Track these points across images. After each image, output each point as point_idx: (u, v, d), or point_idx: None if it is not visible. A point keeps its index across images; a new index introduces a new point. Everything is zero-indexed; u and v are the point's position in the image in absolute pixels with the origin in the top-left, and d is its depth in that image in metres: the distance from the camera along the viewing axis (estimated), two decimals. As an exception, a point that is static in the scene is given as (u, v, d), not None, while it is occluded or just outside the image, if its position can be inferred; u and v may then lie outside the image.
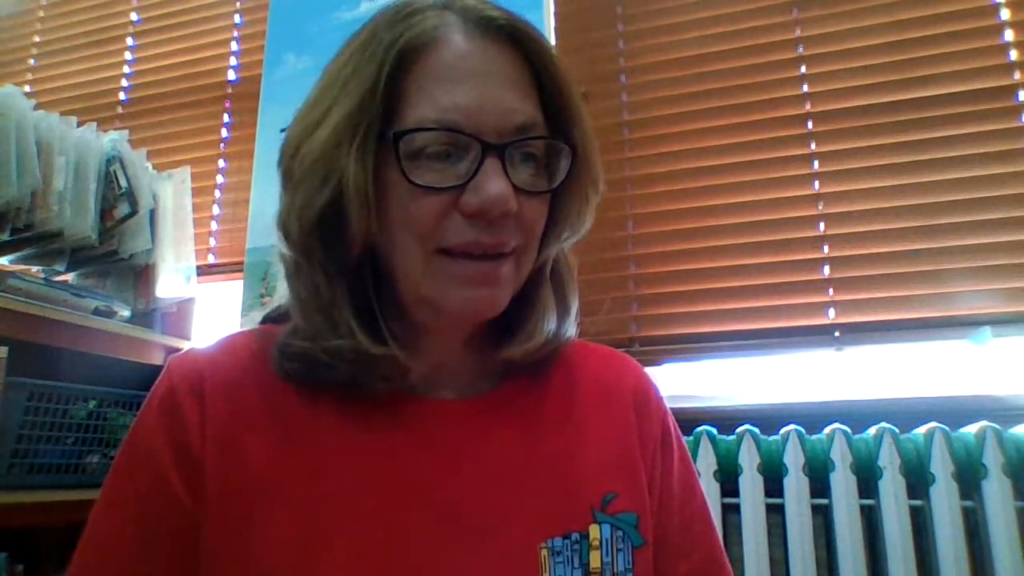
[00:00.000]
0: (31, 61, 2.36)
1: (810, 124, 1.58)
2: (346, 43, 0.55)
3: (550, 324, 0.58)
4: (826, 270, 1.50)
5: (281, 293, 0.58)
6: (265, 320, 0.61)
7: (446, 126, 0.49)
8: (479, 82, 0.51)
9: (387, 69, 0.50)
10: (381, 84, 0.50)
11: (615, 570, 0.53)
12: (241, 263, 1.81)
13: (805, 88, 1.60)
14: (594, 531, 0.54)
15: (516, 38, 0.53)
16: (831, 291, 1.49)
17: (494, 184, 0.49)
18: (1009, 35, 1.49)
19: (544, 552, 0.52)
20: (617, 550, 0.54)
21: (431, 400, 0.57)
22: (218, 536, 0.50)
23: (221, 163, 2.02)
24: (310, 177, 0.52)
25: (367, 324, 0.52)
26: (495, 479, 0.54)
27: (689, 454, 0.65)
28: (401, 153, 0.50)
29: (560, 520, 0.53)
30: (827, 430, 1.29)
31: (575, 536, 0.53)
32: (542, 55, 0.54)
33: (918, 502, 1.23)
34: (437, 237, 0.50)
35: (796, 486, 1.25)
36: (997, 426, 1.21)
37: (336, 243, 0.52)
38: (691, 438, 1.33)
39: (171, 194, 1.73)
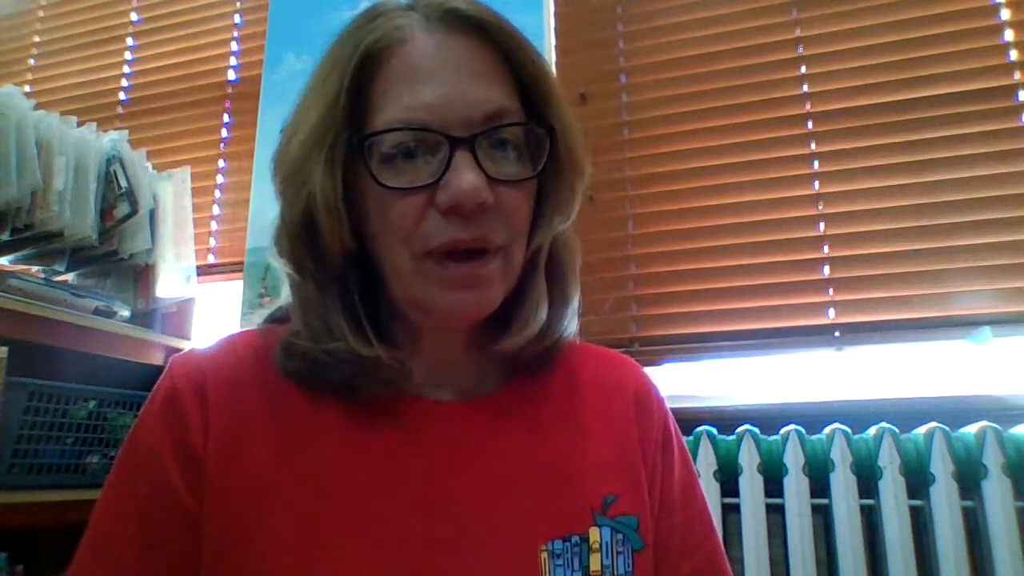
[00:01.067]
0: (31, 61, 2.35)
1: (810, 124, 1.58)
2: (324, 51, 0.56)
3: (542, 313, 0.56)
4: (826, 270, 1.50)
5: (284, 293, 0.59)
6: (268, 321, 0.61)
7: (411, 125, 0.49)
8: (443, 77, 0.50)
9: (349, 77, 0.51)
10: (343, 92, 0.51)
11: (615, 573, 0.53)
12: (241, 263, 1.81)
13: (805, 88, 1.60)
14: (594, 534, 0.54)
15: (482, 28, 0.53)
16: (831, 291, 1.49)
17: (464, 177, 0.48)
18: (1009, 35, 1.49)
19: (544, 555, 0.52)
20: (617, 553, 0.54)
21: (433, 402, 0.56)
22: (220, 536, 0.50)
23: (221, 163, 2.02)
24: (287, 190, 0.54)
25: (358, 328, 0.52)
26: (496, 481, 0.54)
27: (689, 455, 0.65)
28: (372, 157, 0.50)
29: (560, 522, 0.53)
30: (827, 430, 1.29)
31: (575, 539, 0.53)
32: (510, 42, 0.53)
33: (918, 502, 1.23)
34: (419, 240, 0.50)
35: (796, 486, 1.25)
36: (997, 426, 1.21)
37: (321, 252, 0.53)
38: (691, 438, 1.33)
39: (171, 194, 1.73)
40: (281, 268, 0.56)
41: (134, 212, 1.59)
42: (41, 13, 2.39)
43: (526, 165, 0.53)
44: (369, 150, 0.50)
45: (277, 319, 0.60)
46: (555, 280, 0.59)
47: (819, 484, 1.27)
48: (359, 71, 0.51)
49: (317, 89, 0.53)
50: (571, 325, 0.60)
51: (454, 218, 0.49)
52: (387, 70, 0.51)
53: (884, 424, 1.26)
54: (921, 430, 1.26)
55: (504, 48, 0.53)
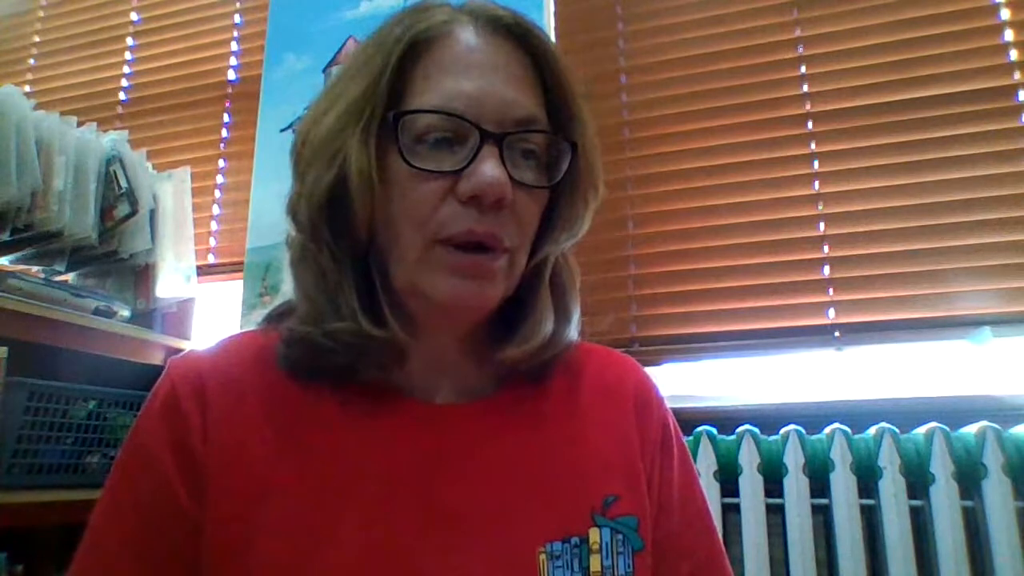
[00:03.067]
0: (31, 61, 2.35)
1: (810, 124, 1.58)
2: (367, 38, 0.57)
3: (547, 327, 0.57)
4: (826, 270, 1.50)
5: (283, 291, 0.59)
6: (268, 317, 0.61)
7: (450, 111, 0.50)
8: (483, 74, 0.52)
9: (394, 58, 0.52)
10: (388, 71, 0.52)
11: (615, 573, 0.53)
12: (241, 263, 1.81)
13: (805, 88, 1.60)
14: (594, 535, 0.54)
15: (523, 38, 0.55)
16: (831, 291, 1.49)
17: (489, 169, 0.49)
18: (1009, 35, 1.49)
19: (543, 556, 0.51)
20: (617, 553, 0.54)
21: (432, 404, 0.57)
22: (219, 537, 0.50)
23: (221, 163, 2.02)
24: (317, 160, 0.54)
25: (369, 307, 0.53)
26: (495, 482, 0.54)
27: (689, 454, 0.65)
28: (402, 136, 0.51)
29: (560, 523, 0.53)
30: (827, 430, 1.29)
31: (575, 540, 0.53)
32: (548, 57, 0.55)
33: (918, 502, 1.23)
34: (434, 226, 0.51)
35: (796, 486, 1.25)
36: (997, 426, 1.21)
37: (342, 226, 0.53)
38: (691, 438, 1.33)
39: (171, 194, 1.73)
40: (293, 244, 0.57)
41: (134, 212, 1.59)
42: (41, 13, 2.39)
43: (543, 175, 0.55)
44: (401, 130, 0.51)
45: (280, 314, 0.60)
46: (557, 298, 0.60)
47: (819, 484, 1.27)
48: (404, 55, 0.53)
49: (359, 69, 0.54)
50: (571, 335, 0.61)
51: (471, 209, 0.50)
52: (430, 58, 0.53)
53: (884, 424, 1.26)
54: (921, 430, 1.26)
55: (541, 60, 0.55)
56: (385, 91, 0.52)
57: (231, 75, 2.10)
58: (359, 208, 0.52)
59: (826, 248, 1.51)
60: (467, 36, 0.54)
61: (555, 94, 0.56)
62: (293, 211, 0.56)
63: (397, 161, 0.51)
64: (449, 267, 0.51)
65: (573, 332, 0.61)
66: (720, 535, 0.64)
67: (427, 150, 0.51)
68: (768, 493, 1.28)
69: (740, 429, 1.33)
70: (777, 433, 1.31)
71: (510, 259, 0.53)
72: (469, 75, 0.52)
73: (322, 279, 0.54)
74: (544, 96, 0.55)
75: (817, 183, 1.55)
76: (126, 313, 1.57)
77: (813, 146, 1.56)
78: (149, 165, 1.72)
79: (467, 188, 0.50)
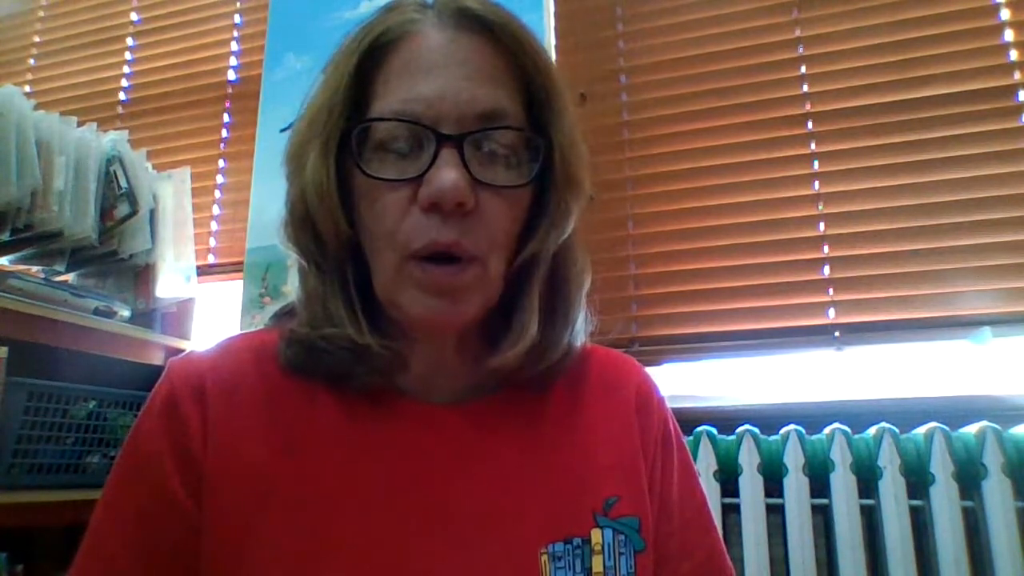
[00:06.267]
0: (31, 61, 2.35)
1: (810, 124, 1.58)
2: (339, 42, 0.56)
3: (532, 330, 0.54)
4: (826, 270, 1.50)
5: (285, 291, 0.59)
6: (274, 316, 0.61)
7: (403, 117, 0.49)
8: (443, 72, 0.50)
9: (352, 66, 0.51)
10: (344, 81, 0.51)
11: (617, 574, 0.53)
12: (241, 263, 1.81)
13: (805, 88, 1.60)
14: (596, 535, 0.53)
15: (491, 29, 0.52)
16: (831, 291, 1.49)
17: (444, 174, 0.48)
18: (1009, 35, 1.49)
19: (545, 557, 0.51)
20: (619, 554, 0.54)
21: (432, 405, 0.56)
22: (218, 540, 0.50)
23: (221, 163, 2.02)
24: (289, 176, 0.55)
25: (352, 316, 0.53)
26: (496, 484, 0.54)
27: (690, 454, 0.65)
28: (361, 147, 0.50)
29: (561, 525, 0.53)
30: (827, 430, 1.29)
31: (577, 541, 0.53)
32: (521, 46, 0.53)
33: (918, 502, 1.23)
34: (403, 238, 0.50)
35: (796, 486, 1.25)
36: (997, 426, 1.21)
37: (321, 238, 0.53)
38: (691, 438, 1.33)
39: (171, 194, 1.73)
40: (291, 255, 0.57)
41: (134, 212, 1.59)
42: (41, 13, 2.39)
43: (521, 173, 0.52)
44: (362, 140, 0.50)
45: (285, 313, 0.60)
46: (555, 299, 0.57)
47: (819, 484, 1.27)
48: (364, 61, 0.52)
49: (325, 77, 0.54)
50: (575, 341, 0.59)
51: (433, 216, 0.49)
52: (391, 62, 0.52)
53: (884, 424, 1.26)
54: (921, 430, 1.26)
55: (513, 52, 0.53)
56: (343, 101, 0.51)
57: (231, 75, 2.09)
58: (321, 223, 0.52)
59: (826, 248, 1.51)
60: (430, 34, 0.52)
61: (531, 87, 0.53)
62: (285, 227, 0.56)
63: (358, 171, 0.50)
64: (418, 284, 0.50)
65: (574, 336, 0.58)
66: (720, 535, 0.64)
67: (392, 156, 0.50)
68: (768, 493, 1.28)
69: (740, 429, 1.33)
70: (777, 433, 1.31)
71: (483, 266, 0.51)
72: (428, 76, 0.50)
73: (314, 289, 0.54)
74: (520, 88, 0.53)
75: (817, 183, 1.55)
76: (126, 313, 1.57)
77: (813, 146, 1.56)
78: (149, 165, 1.72)
79: (425, 195, 0.48)
